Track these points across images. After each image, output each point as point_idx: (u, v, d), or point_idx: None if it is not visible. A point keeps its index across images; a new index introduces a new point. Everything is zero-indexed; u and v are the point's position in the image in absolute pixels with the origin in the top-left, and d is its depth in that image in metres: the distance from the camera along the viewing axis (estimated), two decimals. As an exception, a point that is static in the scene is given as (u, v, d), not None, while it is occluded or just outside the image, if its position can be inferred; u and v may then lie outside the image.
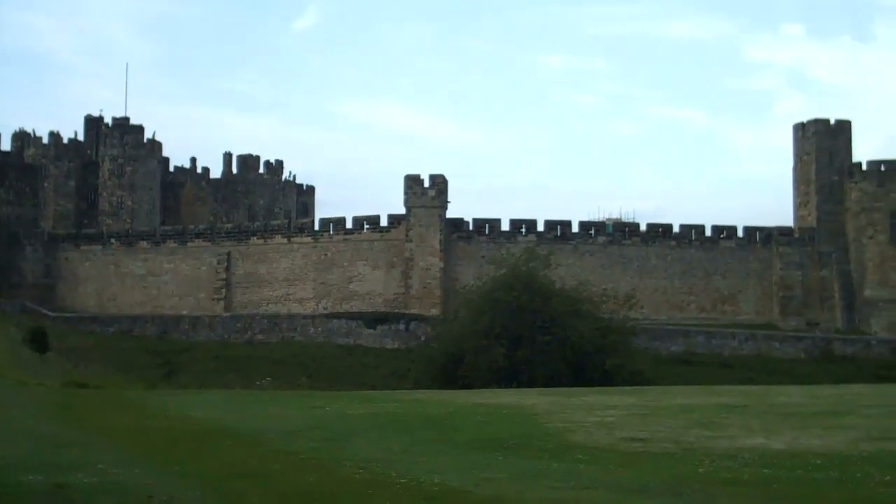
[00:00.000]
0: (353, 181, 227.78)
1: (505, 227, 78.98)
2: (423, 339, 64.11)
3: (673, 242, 79.97)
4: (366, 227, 79.61)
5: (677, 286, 79.30)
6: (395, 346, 68.73)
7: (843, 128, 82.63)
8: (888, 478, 15.12)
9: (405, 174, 77.72)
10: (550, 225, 79.31)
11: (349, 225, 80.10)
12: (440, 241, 76.86)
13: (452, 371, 50.50)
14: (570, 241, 78.69)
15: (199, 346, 68.74)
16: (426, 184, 77.54)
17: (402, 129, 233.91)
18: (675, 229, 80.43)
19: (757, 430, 21.84)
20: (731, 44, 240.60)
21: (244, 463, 17.46)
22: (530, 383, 46.05)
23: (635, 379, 48.24)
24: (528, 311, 51.41)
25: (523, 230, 78.82)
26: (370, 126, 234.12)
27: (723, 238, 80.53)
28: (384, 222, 79.40)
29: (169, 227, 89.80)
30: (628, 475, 15.78)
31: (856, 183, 79.89)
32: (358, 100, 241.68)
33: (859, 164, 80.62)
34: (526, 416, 26.06)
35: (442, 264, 76.69)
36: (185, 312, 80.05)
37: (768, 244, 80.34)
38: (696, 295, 79.51)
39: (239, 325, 73.95)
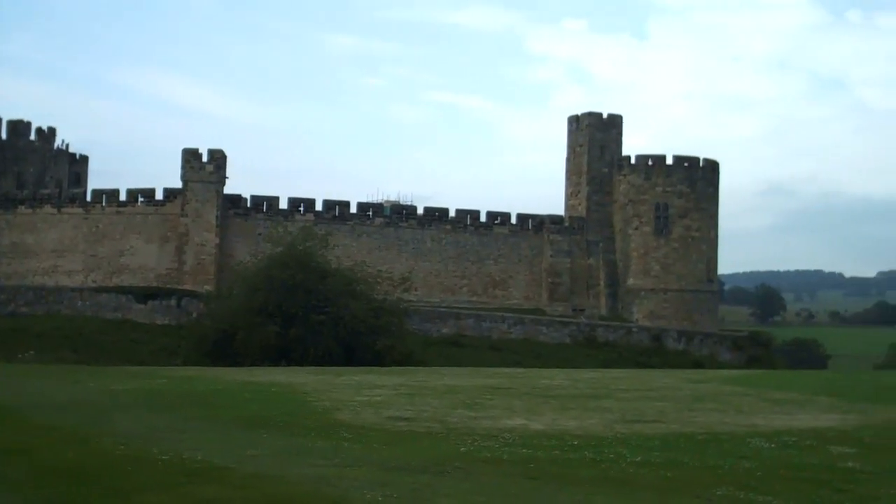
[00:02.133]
0: (131, 153, 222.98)
1: (283, 205, 78.71)
2: (195, 315, 63.17)
3: (448, 227, 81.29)
4: (140, 199, 77.90)
5: (451, 270, 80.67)
6: (166, 321, 67.46)
7: (615, 122, 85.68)
8: (638, 458, 15.95)
9: (183, 147, 76.57)
10: (329, 205, 79.39)
11: (123, 197, 78.21)
12: (216, 216, 75.86)
13: (224, 348, 50.09)
14: (348, 222, 78.99)
15: (-42, 318, 65.80)
16: (204, 158, 76.33)
17: (185, 103, 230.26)
18: (451, 214, 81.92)
19: (519, 412, 22.56)
20: (514, 35, 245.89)
21: (1, 438, 16.98)
22: (302, 362, 46.12)
23: (405, 360, 48.98)
24: (303, 290, 51.39)
25: (301, 209, 78.72)
26: (151, 97, 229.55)
27: (496, 224, 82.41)
28: (160, 196, 77.88)
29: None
30: (392, 453, 16.07)
31: (624, 175, 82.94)
32: (139, 70, 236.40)
33: (628, 158, 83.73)
34: (294, 394, 26.18)
35: (217, 240, 75.77)
36: (-57, 281, 76.52)
37: (540, 231, 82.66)
38: (469, 279, 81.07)
39: (2, 296, 71.06)
